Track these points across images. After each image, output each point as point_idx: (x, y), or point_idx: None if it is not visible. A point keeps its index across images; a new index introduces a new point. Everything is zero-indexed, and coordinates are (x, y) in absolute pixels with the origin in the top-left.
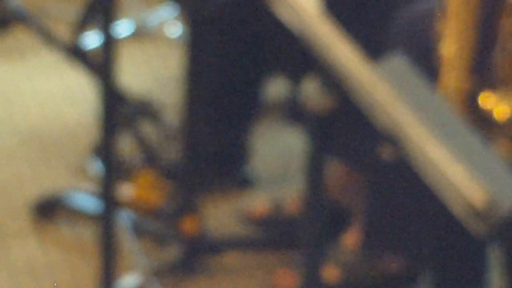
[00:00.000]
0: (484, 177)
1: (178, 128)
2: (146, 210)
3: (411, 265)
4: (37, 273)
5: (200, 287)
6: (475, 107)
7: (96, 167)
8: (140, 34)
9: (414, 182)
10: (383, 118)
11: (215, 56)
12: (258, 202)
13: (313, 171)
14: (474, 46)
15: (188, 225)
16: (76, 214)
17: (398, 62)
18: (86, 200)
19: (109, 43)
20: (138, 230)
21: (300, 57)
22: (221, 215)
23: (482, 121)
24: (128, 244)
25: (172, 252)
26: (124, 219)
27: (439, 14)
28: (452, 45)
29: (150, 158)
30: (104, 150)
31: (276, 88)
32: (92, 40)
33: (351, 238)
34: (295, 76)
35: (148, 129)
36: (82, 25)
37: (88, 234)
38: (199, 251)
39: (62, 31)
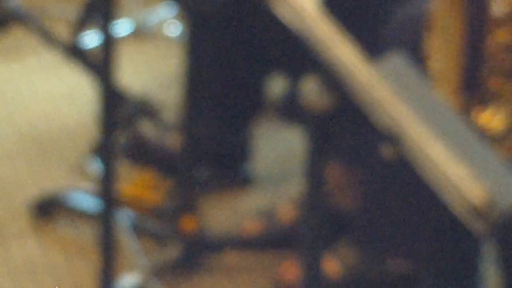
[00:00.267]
0: (483, 176)
1: (178, 127)
2: (146, 209)
3: (411, 264)
4: (37, 273)
5: (200, 286)
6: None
7: (95, 166)
8: (140, 33)
9: (413, 181)
10: (383, 117)
11: (214, 55)
12: (248, 221)
13: (312, 170)
14: (462, 62)
15: (188, 224)
16: (75, 214)
17: (398, 61)
18: (86, 200)
19: (109, 43)
20: (138, 230)
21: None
22: (220, 214)
23: None
24: (128, 243)
25: (172, 251)
26: (123, 218)
27: (426, 31)
28: (440, 61)
29: (150, 157)
30: (104, 149)
31: (275, 87)
32: (91, 39)
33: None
34: (295, 75)
35: (147, 128)
36: (81, 24)
37: (87, 234)
38: (198, 250)
39: (61, 30)
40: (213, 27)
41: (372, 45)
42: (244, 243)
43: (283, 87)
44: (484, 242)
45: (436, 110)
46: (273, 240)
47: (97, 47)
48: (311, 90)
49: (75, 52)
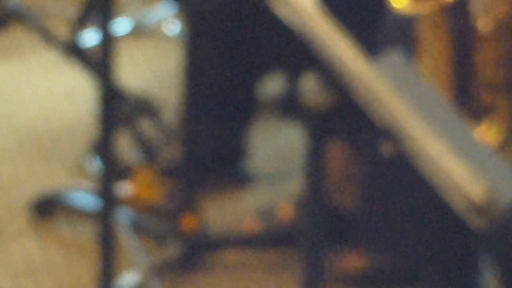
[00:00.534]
0: (483, 172)
1: (177, 126)
2: (146, 208)
3: (411, 262)
4: (37, 272)
5: (199, 285)
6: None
7: (95, 165)
8: (139, 32)
9: (413, 178)
10: (382, 114)
11: (213, 53)
12: (247, 219)
13: (311, 167)
14: (452, 79)
15: (187, 223)
16: (75, 213)
17: (396, 58)
18: (85, 199)
19: (108, 41)
20: (137, 228)
21: (298, 54)
22: (220, 213)
23: None
24: (128, 242)
25: (172, 250)
26: (123, 217)
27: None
28: (430, 80)
29: (149, 156)
30: (103, 148)
31: (273, 85)
32: (90, 38)
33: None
34: (294, 73)
35: (146, 126)
36: (81, 23)
37: (87, 233)
38: (198, 249)
39: (61, 29)
40: (212, 26)
41: (370, 43)
42: (244, 242)
43: (282, 85)
44: (486, 239)
45: (435, 107)
46: (273, 239)
47: (96, 45)
48: (310, 88)
49: (75, 51)
